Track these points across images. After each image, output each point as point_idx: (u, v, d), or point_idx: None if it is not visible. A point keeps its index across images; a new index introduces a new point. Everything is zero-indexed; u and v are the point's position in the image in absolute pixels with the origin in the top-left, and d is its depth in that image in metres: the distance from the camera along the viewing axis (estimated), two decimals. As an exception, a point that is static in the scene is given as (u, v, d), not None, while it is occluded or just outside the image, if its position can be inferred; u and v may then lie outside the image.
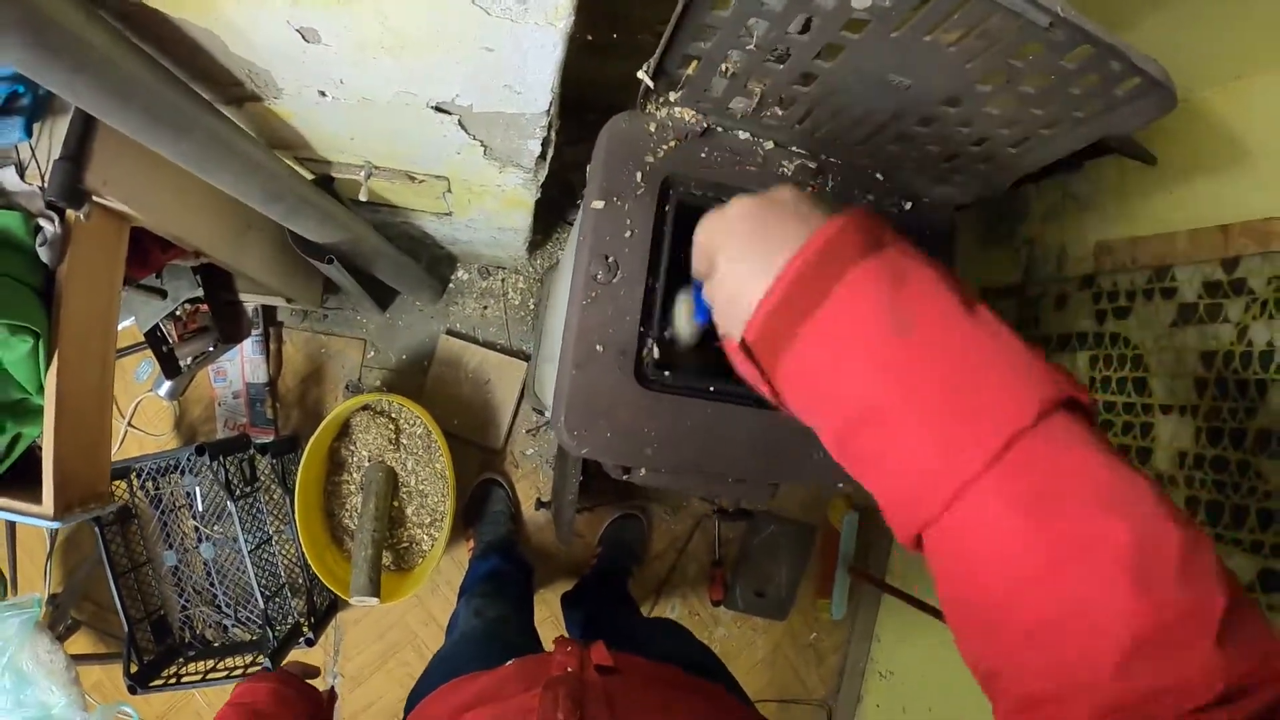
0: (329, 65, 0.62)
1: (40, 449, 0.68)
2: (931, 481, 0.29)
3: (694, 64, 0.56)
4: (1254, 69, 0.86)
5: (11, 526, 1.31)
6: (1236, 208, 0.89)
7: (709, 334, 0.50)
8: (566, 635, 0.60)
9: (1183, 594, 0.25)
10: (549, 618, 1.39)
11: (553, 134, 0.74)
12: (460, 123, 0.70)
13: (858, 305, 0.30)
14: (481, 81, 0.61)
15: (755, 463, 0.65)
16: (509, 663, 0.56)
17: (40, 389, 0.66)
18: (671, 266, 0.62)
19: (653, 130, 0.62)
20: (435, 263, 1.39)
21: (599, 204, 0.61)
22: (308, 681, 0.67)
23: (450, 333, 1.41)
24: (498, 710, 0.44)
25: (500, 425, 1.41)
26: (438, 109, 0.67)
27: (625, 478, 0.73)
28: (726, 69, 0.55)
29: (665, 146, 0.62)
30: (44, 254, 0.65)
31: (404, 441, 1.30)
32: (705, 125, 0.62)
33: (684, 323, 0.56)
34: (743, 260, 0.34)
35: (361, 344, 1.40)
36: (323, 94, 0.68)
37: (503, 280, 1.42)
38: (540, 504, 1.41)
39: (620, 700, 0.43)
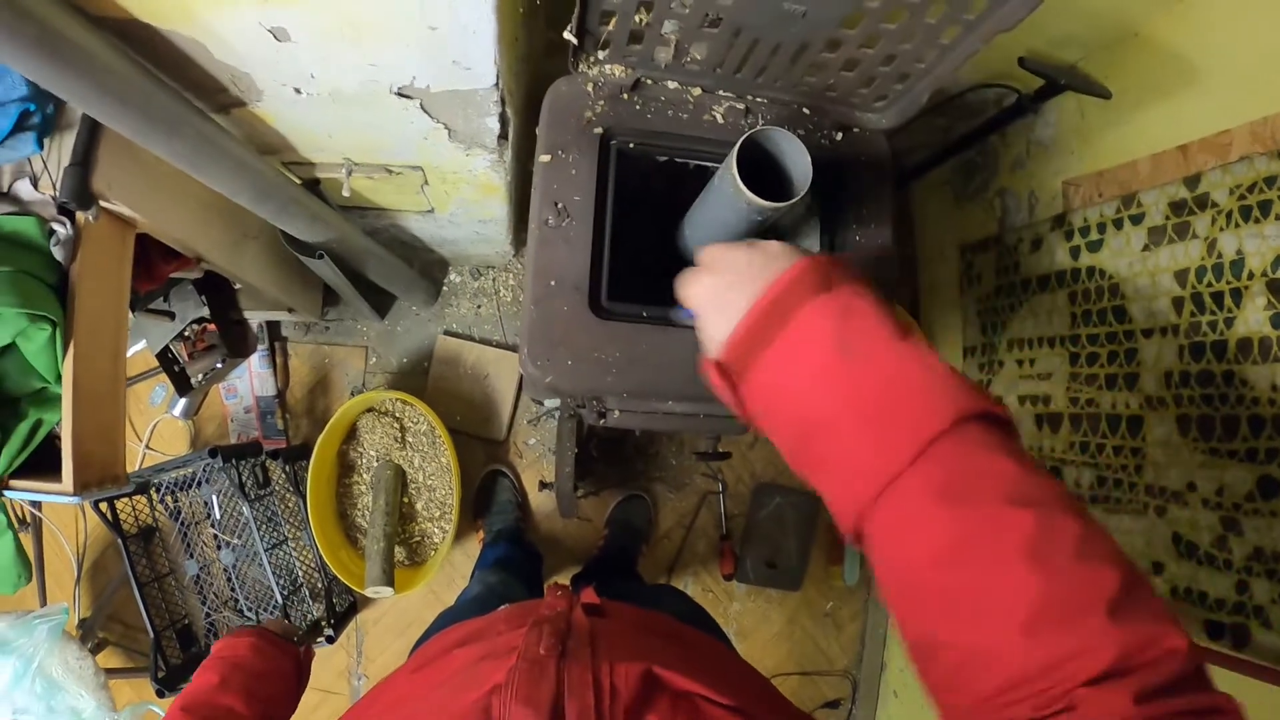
0: (299, 61, 0.68)
1: (60, 437, 0.74)
2: (867, 476, 0.34)
3: (613, 20, 0.61)
4: (1194, -13, 0.88)
5: (40, 555, 1.37)
6: (1193, 126, 0.91)
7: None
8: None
9: (1076, 570, 0.29)
10: (562, 605, 1.40)
11: (509, 111, 0.79)
12: (422, 106, 0.76)
13: (809, 332, 0.37)
14: (432, 60, 0.67)
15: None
16: (501, 608, 0.58)
17: (59, 378, 0.72)
18: (616, 204, 0.67)
19: (589, 89, 0.68)
20: (428, 267, 1.46)
21: (546, 158, 0.66)
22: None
23: (447, 333, 1.47)
24: (485, 647, 0.46)
25: (502, 417, 1.45)
26: (400, 94, 0.73)
27: (602, 422, 0.77)
28: (641, 20, 0.60)
29: (601, 102, 0.68)
30: (58, 253, 0.72)
31: (409, 439, 1.35)
32: (636, 79, 0.67)
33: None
34: (718, 311, 0.42)
35: (363, 351, 1.46)
36: (298, 91, 0.74)
37: (493, 279, 1.48)
38: (543, 485, 1.44)
39: (603, 638, 0.44)
